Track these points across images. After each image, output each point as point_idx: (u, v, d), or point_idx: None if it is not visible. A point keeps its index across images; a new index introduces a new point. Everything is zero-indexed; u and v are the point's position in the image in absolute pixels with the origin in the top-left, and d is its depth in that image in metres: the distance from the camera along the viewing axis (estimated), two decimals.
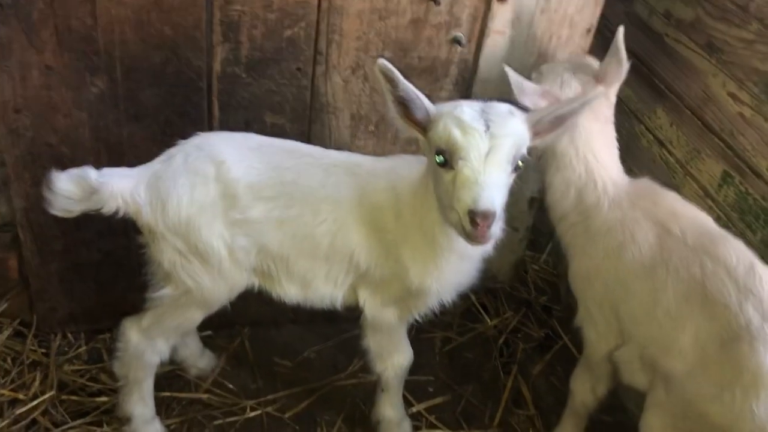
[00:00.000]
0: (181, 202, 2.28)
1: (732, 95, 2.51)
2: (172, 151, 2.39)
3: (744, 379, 1.92)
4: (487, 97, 2.76)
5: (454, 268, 2.31)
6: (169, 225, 2.31)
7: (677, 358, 2.09)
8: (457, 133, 1.93)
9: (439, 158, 1.99)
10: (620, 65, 2.43)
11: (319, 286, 2.45)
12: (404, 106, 2.06)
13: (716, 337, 2.00)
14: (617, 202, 2.40)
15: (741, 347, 1.94)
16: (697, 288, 2.09)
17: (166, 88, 2.56)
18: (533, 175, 3.14)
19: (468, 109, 1.97)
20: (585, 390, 2.60)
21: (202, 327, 3.06)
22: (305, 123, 2.75)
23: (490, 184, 1.89)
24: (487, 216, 1.86)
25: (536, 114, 2.06)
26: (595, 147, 2.44)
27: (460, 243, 2.08)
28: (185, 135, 2.44)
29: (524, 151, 2.01)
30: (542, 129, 2.08)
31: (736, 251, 2.11)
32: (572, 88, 2.47)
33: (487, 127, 1.93)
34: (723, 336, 1.99)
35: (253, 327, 3.26)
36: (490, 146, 1.92)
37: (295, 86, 2.65)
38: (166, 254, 2.37)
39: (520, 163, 2.00)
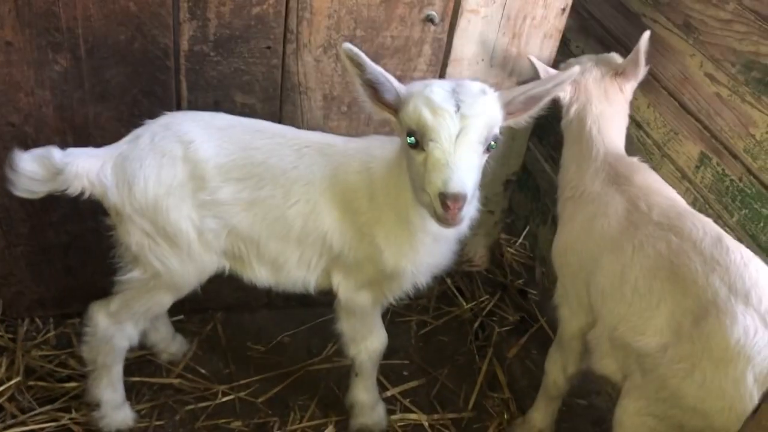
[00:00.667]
0: (148, 183, 2.23)
1: (709, 75, 2.49)
2: (138, 131, 2.33)
3: (713, 355, 1.89)
4: (461, 77, 2.77)
5: (428, 250, 2.27)
6: (136, 207, 2.25)
7: (652, 337, 2.06)
8: (427, 114, 1.89)
9: (410, 139, 1.95)
10: (638, 66, 2.51)
11: (291, 270, 2.41)
12: (374, 88, 2.02)
13: (689, 313, 1.98)
14: (600, 175, 2.43)
15: (709, 322, 1.91)
16: (664, 264, 2.08)
17: (132, 67, 2.49)
18: (509, 157, 3.10)
19: (438, 89, 1.92)
20: (556, 369, 2.59)
21: (174, 311, 3.03)
22: (276, 103, 2.69)
23: (461, 166, 1.86)
24: (458, 198, 1.82)
25: (509, 93, 2.03)
26: (602, 125, 2.50)
27: (435, 224, 2.04)
28: (153, 115, 2.38)
29: (497, 131, 1.97)
30: (516, 109, 2.05)
31: (703, 225, 2.11)
32: (593, 74, 2.55)
33: (458, 108, 1.88)
34: (695, 312, 1.96)
35: (226, 311, 3.22)
36: (460, 127, 1.88)
37: (265, 65, 2.58)
38: (133, 236, 2.31)
39: (492, 144, 1.97)
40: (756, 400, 1.78)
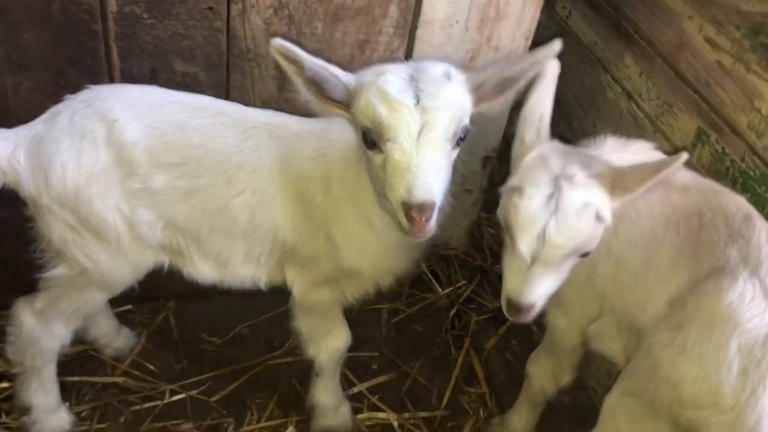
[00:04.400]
0: (67, 170, 1.97)
1: (709, 41, 2.24)
2: (57, 108, 2.07)
3: (701, 319, 1.71)
4: (432, 42, 2.48)
5: (391, 254, 2.05)
6: (55, 197, 2.00)
7: (652, 311, 1.89)
8: (381, 110, 1.62)
9: (366, 139, 1.69)
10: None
11: (237, 266, 2.17)
12: (318, 85, 1.74)
13: (693, 283, 1.81)
14: None
15: (707, 284, 1.76)
16: (691, 240, 1.89)
17: (54, 31, 2.20)
18: (488, 132, 2.82)
19: (393, 78, 1.66)
20: (546, 377, 2.37)
21: (121, 301, 2.80)
22: (222, 72, 2.41)
23: (426, 169, 1.60)
24: (424, 208, 1.58)
25: (479, 75, 1.75)
26: None
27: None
28: (81, 87, 2.12)
29: (466, 121, 1.71)
30: (487, 93, 1.78)
31: (737, 204, 1.94)
32: None
33: (418, 100, 1.62)
34: (697, 278, 1.80)
35: (179, 300, 2.98)
36: (422, 123, 1.62)
37: (207, 29, 2.29)
38: (55, 230, 2.07)
39: (462, 137, 1.70)
40: (734, 373, 1.62)
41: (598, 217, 1.72)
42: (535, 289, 1.73)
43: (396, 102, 1.61)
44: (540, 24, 2.64)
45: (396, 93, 1.62)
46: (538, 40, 2.60)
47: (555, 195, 1.68)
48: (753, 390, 1.60)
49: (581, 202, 1.70)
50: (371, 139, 1.67)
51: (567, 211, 1.68)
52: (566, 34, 2.89)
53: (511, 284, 1.75)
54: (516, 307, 1.74)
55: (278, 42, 1.66)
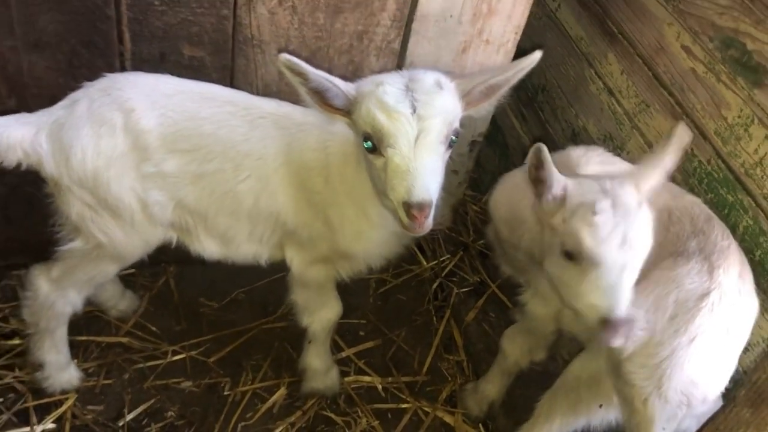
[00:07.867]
0: (86, 155, 2.09)
1: (686, 48, 2.37)
2: (76, 94, 2.17)
3: (650, 279, 1.92)
4: (426, 35, 2.59)
5: (384, 241, 2.20)
6: (75, 178, 2.13)
7: None
8: (382, 119, 1.77)
9: (367, 144, 1.84)
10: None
11: (241, 244, 2.32)
12: (320, 94, 1.88)
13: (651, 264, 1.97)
14: None
15: (665, 261, 1.97)
16: (660, 233, 2.02)
17: (70, 16, 2.28)
18: (476, 119, 2.96)
19: (391, 89, 1.80)
20: (521, 353, 2.54)
21: None
22: (228, 56, 2.50)
23: (424, 171, 1.75)
24: (424, 207, 1.74)
25: (468, 83, 1.90)
26: None
27: (394, 221, 1.95)
28: (94, 67, 2.23)
29: (457, 125, 1.86)
30: (474, 99, 1.93)
31: (698, 204, 2.16)
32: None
33: (414, 109, 1.77)
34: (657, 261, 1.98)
35: (180, 265, 3.11)
36: (418, 130, 1.77)
37: (215, 15, 2.38)
38: (73, 207, 2.20)
39: (453, 138, 1.86)
40: (666, 317, 1.87)
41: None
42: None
43: (395, 111, 1.76)
44: (530, 14, 2.75)
45: (394, 103, 1.77)
46: (528, 31, 2.74)
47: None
48: (677, 330, 1.85)
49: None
50: (372, 144, 1.82)
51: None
52: (554, 26, 3.01)
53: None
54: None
55: (285, 57, 1.78)
